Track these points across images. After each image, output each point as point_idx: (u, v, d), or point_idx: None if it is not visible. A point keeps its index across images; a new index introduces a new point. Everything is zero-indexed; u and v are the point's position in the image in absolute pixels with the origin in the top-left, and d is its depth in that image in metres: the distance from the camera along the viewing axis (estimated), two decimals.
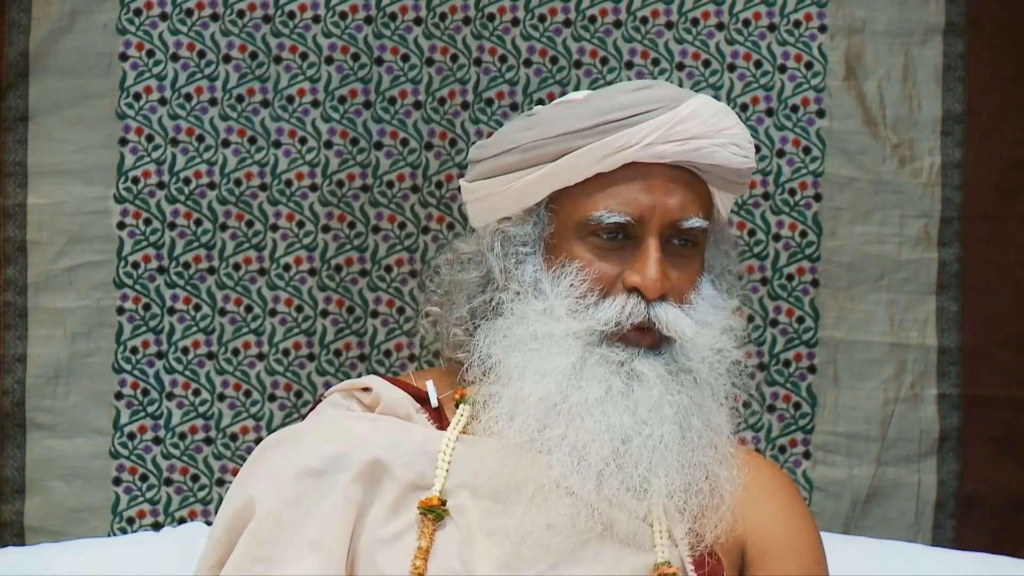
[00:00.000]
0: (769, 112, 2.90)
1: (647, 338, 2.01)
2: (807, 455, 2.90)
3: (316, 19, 2.88)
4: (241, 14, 2.88)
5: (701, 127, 2.04)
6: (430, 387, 2.10)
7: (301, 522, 1.97)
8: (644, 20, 2.89)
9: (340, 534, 1.96)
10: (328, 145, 2.89)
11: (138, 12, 2.87)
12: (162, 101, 2.88)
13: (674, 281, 2.03)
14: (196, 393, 2.89)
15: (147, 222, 2.88)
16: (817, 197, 2.90)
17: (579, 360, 2.00)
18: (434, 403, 2.09)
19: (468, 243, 2.13)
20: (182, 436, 2.89)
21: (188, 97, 2.88)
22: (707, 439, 2.01)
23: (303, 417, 2.15)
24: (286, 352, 2.90)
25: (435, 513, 1.98)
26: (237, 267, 2.89)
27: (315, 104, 2.88)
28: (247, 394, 2.89)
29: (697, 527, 2.01)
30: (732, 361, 2.06)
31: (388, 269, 2.89)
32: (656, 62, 2.88)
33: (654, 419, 1.98)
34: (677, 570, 1.98)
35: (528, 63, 2.89)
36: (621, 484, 1.97)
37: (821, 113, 2.90)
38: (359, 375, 2.87)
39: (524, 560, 1.96)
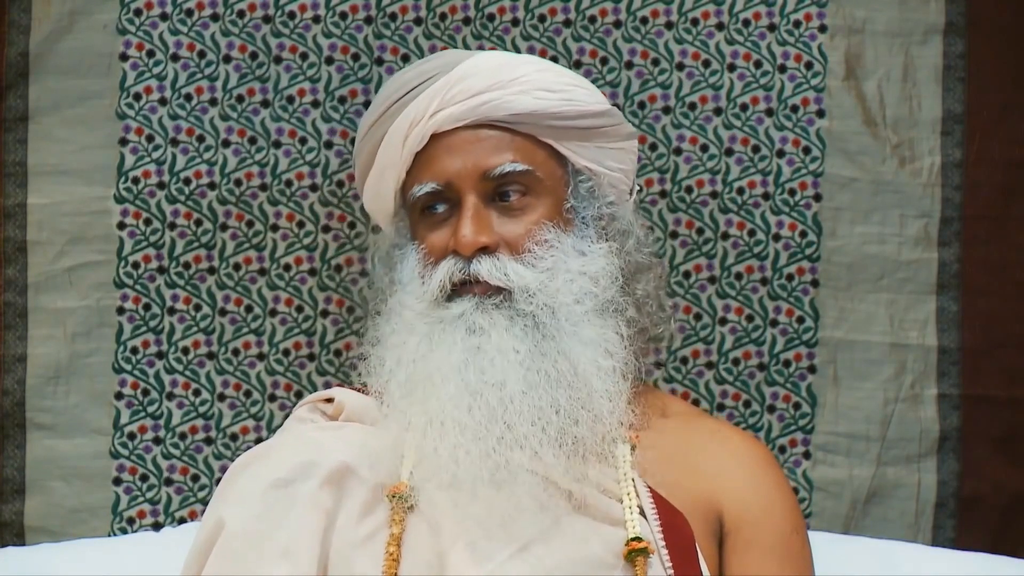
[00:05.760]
0: (769, 112, 2.90)
1: (477, 288, 2.02)
2: (807, 455, 2.90)
3: (316, 19, 2.88)
4: (241, 14, 2.88)
5: (483, 82, 2.06)
6: None
7: (270, 533, 1.97)
8: (644, 20, 2.89)
9: (310, 540, 1.96)
10: (328, 145, 2.89)
11: (138, 12, 2.87)
12: (162, 101, 2.88)
13: (504, 234, 2.04)
14: (196, 393, 2.89)
15: (147, 222, 2.88)
16: (817, 197, 2.90)
17: (425, 336, 2.02)
18: None
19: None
20: (182, 436, 2.89)
21: (188, 97, 2.88)
22: (566, 381, 1.99)
23: None
24: (286, 352, 2.90)
25: (403, 499, 1.99)
26: (237, 267, 2.89)
27: (315, 104, 2.88)
28: (247, 394, 2.89)
29: (581, 467, 2.00)
30: (605, 302, 2.05)
31: None
32: (656, 62, 2.88)
33: (505, 366, 1.98)
34: (648, 544, 1.98)
35: None
36: (499, 439, 1.97)
37: (821, 113, 2.90)
38: (359, 376, 2.87)
39: (495, 542, 1.96)
